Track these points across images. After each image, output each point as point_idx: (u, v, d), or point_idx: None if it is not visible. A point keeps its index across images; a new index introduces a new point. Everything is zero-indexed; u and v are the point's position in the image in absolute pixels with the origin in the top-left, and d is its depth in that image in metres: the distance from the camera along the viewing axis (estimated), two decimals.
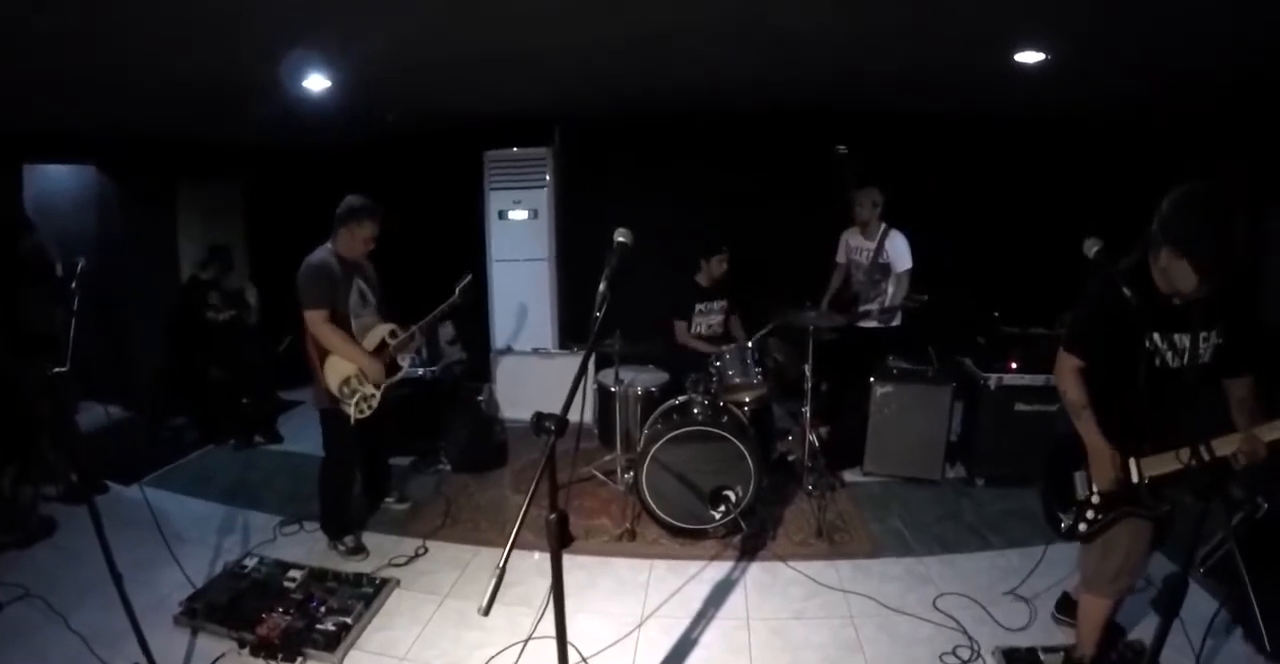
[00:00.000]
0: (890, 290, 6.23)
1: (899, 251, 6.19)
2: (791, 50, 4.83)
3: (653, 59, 5.03)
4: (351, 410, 4.70)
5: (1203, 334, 2.97)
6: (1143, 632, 3.87)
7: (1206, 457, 2.54)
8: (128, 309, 7.07)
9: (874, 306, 6.26)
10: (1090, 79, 5.22)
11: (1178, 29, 4.01)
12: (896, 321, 6.38)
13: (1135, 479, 3.10)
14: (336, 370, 4.67)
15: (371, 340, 4.85)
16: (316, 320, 4.58)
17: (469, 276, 5.09)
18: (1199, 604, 3.78)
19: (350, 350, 4.69)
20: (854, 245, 6.50)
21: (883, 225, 6.24)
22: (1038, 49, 4.60)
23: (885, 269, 6.25)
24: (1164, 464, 2.98)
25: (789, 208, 7.50)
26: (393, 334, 4.92)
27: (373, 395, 4.79)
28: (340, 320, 4.69)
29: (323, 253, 4.69)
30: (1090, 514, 3.25)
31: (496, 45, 4.70)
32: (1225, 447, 2.82)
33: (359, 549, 4.96)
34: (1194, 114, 6.14)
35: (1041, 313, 5.93)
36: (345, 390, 4.69)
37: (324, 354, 4.66)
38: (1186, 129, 6.39)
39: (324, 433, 4.91)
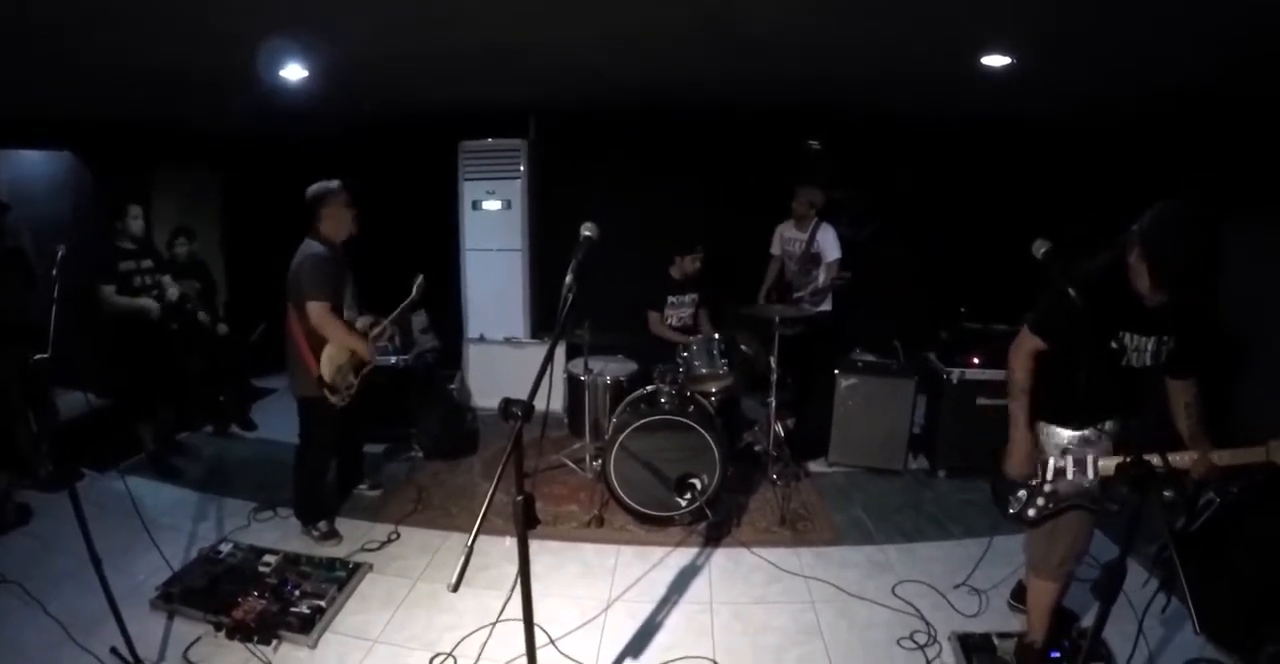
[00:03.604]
0: (821, 277, 6.50)
1: (828, 243, 6.51)
2: (760, 53, 4.88)
3: (627, 58, 5.08)
4: (336, 398, 4.78)
5: (1163, 337, 3.08)
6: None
7: (1161, 468, 2.64)
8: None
9: (806, 292, 6.50)
10: (1055, 83, 5.30)
11: (1142, 37, 4.09)
12: (827, 305, 6.65)
13: (1092, 477, 3.24)
14: (332, 359, 4.72)
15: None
16: (321, 311, 4.60)
17: (420, 276, 5.16)
18: (1148, 590, 3.94)
19: (351, 339, 4.77)
20: (787, 237, 6.82)
21: (815, 219, 6.53)
22: (1004, 52, 4.68)
23: (816, 258, 6.55)
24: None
25: (762, 204, 7.56)
26: (371, 325, 5.01)
27: (353, 384, 4.88)
28: (337, 311, 4.75)
29: (316, 246, 4.72)
30: (1041, 501, 3.38)
31: (472, 41, 4.73)
32: (1181, 462, 2.96)
33: (332, 534, 5.02)
34: (1158, 120, 6.23)
35: (1004, 310, 6.04)
36: (339, 379, 4.77)
37: (319, 343, 4.69)
38: (1151, 134, 6.48)
39: (305, 421, 4.94)
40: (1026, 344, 3.28)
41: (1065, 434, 3.29)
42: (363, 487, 5.70)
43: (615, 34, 4.54)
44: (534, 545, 2.66)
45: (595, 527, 5.26)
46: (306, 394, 4.82)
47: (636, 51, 4.94)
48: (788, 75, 5.52)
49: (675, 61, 5.21)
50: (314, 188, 4.79)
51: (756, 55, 4.96)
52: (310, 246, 4.72)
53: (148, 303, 5.90)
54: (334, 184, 4.80)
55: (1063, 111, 6.43)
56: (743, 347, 5.95)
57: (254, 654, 3.76)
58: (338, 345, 4.73)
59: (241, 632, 3.86)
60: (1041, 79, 5.13)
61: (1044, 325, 3.23)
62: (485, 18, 4.18)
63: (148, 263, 6.05)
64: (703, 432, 5.08)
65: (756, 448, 6.41)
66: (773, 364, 5.69)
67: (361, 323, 4.99)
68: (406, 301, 5.15)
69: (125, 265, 5.86)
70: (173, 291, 6.16)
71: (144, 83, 5.36)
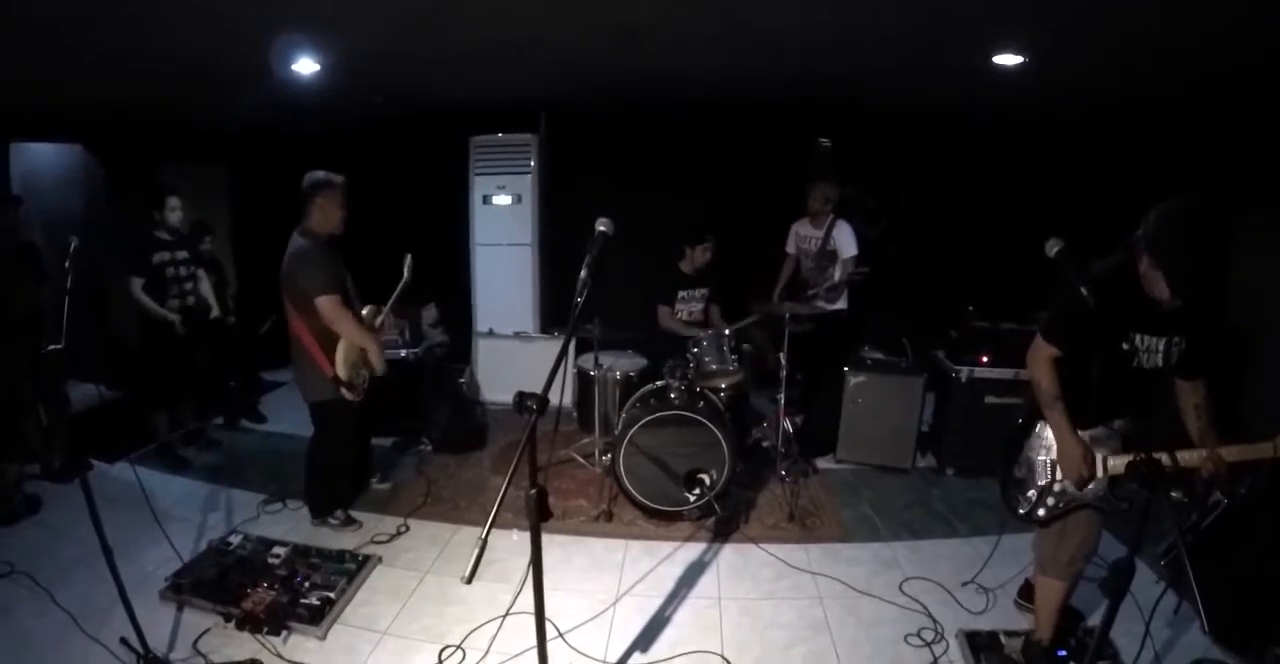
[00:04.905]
0: (837, 274, 6.48)
1: (845, 239, 6.50)
2: (772, 49, 4.86)
3: (636, 53, 5.06)
4: (353, 395, 4.73)
5: (1174, 338, 3.07)
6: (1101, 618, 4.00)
7: (1170, 466, 2.62)
8: (112, 289, 7.05)
9: (821, 289, 6.48)
10: (1066, 81, 5.27)
11: (1152, 30, 4.08)
12: (842, 303, 6.64)
13: (1101, 476, 3.23)
14: (346, 356, 4.65)
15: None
16: (333, 306, 4.51)
17: (409, 255, 5.05)
18: (1155, 590, 3.93)
19: (362, 334, 4.69)
20: (803, 234, 6.81)
21: (830, 215, 6.52)
22: (1016, 51, 4.66)
23: (832, 256, 6.54)
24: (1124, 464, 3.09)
25: (771, 199, 7.57)
26: (374, 314, 4.96)
27: (366, 378, 4.86)
28: (347, 303, 4.67)
29: (302, 243, 4.62)
30: (1051, 501, 3.38)
31: (479, 36, 4.72)
32: (1189, 460, 2.95)
33: (350, 521, 5.07)
34: (1166, 118, 6.22)
35: (1013, 308, 6.04)
36: (354, 374, 4.73)
37: (331, 342, 4.61)
38: (1159, 131, 6.47)
39: (321, 424, 4.91)
40: (1044, 352, 3.24)
41: (1076, 433, 3.28)
42: (373, 481, 5.70)
43: (624, 28, 4.52)
44: (543, 539, 2.67)
45: (604, 521, 5.28)
46: (320, 398, 4.76)
47: (647, 46, 4.92)
48: (798, 71, 5.49)
49: (683, 57, 5.19)
50: (314, 175, 4.69)
51: (763, 51, 4.94)
52: (296, 244, 4.61)
53: (172, 317, 5.89)
54: (336, 178, 4.71)
55: (1073, 110, 6.40)
56: (745, 346, 5.97)
57: (264, 645, 3.78)
58: (349, 341, 4.66)
59: (251, 623, 3.87)
60: (1052, 76, 5.09)
61: (1057, 331, 3.21)
62: (490, 12, 4.17)
63: (183, 254, 6.07)
64: (712, 427, 5.08)
65: (765, 444, 6.40)
66: (782, 361, 5.70)
67: (366, 313, 4.90)
68: (401, 284, 5.05)
69: (159, 257, 5.87)
70: (205, 287, 6.27)
71: (154, 77, 5.35)
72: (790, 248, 6.98)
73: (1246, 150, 5.62)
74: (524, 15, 4.23)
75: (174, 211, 5.91)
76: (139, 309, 5.84)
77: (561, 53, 5.18)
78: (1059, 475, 3.33)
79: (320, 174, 4.70)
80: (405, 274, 5.05)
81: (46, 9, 3.73)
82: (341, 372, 4.65)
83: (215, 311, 6.52)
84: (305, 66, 5.15)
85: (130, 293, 5.76)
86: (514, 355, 7.87)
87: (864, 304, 6.64)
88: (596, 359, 6.10)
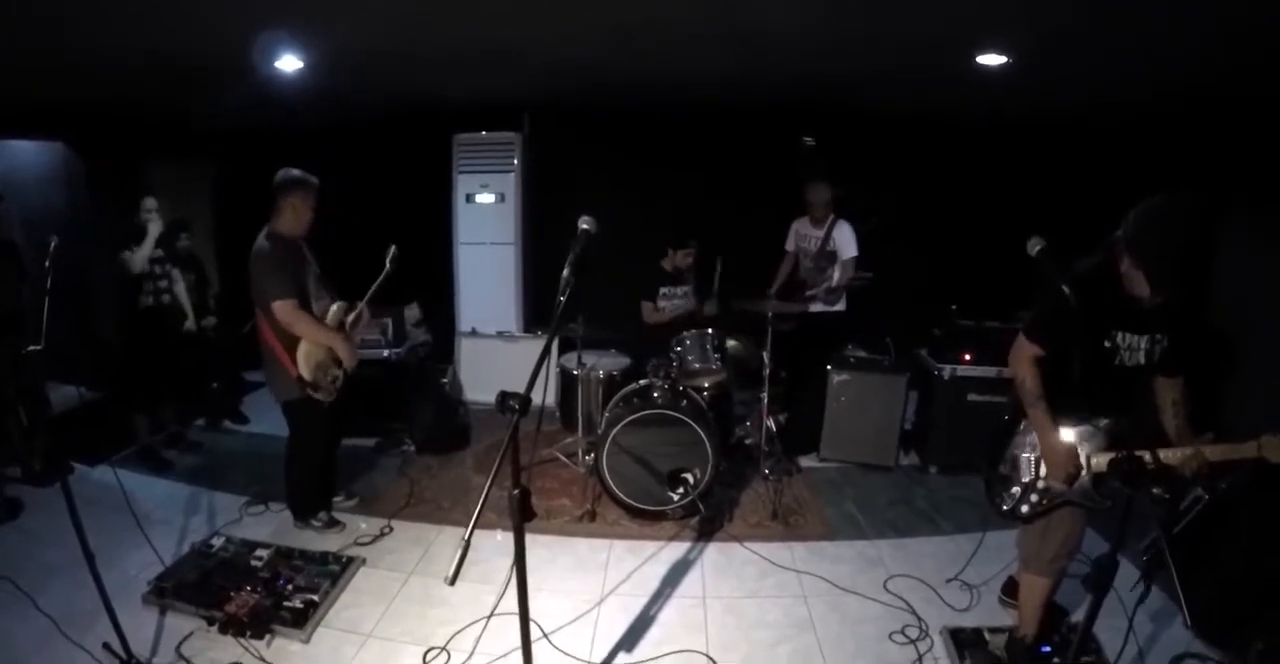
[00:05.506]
0: (836, 275, 6.43)
1: (845, 240, 6.45)
2: (769, 50, 4.85)
3: (635, 53, 5.06)
4: (322, 395, 4.67)
5: (1156, 336, 3.09)
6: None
7: (1151, 464, 2.63)
8: (95, 289, 7.01)
9: (819, 290, 6.45)
10: (1054, 82, 5.28)
11: (1146, 31, 4.09)
12: (841, 305, 6.61)
13: (1085, 474, 3.24)
14: (309, 356, 4.57)
15: (332, 322, 4.75)
16: (289, 310, 4.42)
17: (393, 247, 4.98)
18: (1138, 586, 3.95)
19: (328, 336, 4.62)
20: (803, 233, 6.77)
21: (831, 215, 6.49)
22: (999, 51, 4.67)
23: (832, 256, 6.49)
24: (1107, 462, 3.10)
25: (753, 199, 7.59)
26: (345, 311, 4.83)
27: (338, 377, 4.78)
28: (305, 306, 4.56)
29: (272, 240, 4.53)
30: (1034, 498, 3.39)
31: (468, 36, 4.71)
32: (1172, 458, 2.97)
33: (334, 522, 5.04)
34: (1151, 120, 6.24)
35: (996, 307, 6.06)
36: (320, 375, 4.65)
37: (292, 343, 4.53)
38: (1148, 135, 6.49)
39: (294, 424, 4.87)
40: (1026, 352, 3.26)
41: (1059, 431, 3.29)
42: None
43: (615, 29, 4.51)
44: (527, 539, 2.66)
45: (588, 521, 5.28)
46: (289, 397, 4.70)
47: (635, 47, 4.91)
48: (796, 72, 5.49)
49: (681, 58, 5.17)
50: (290, 173, 4.60)
51: (761, 52, 4.93)
52: (259, 246, 4.52)
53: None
54: (311, 178, 4.63)
55: (1067, 110, 6.42)
56: (729, 343, 5.97)
57: (247, 649, 3.75)
58: (310, 342, 4.58)
59: (234, 626, 3.84)
60: (1039, 77, 5.11)
61: (1040, 330, 3.22)
62: (491, 11, 4.16)
63: (158, 253, 6.06)
64: (695, 426, 5.08)
65: (749, 443, 6.42)
66: (765, 359, 5.70)
67: (335, 310, 4.79)
68: (383, 275, 4.93)
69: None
70: (180, 288, 6.28)
71: (138, 72, 5.31)
72: (790, 245, 6.95)
73: (1234, 152, 5.64)
74: (523, 14, 4.21)
75: (149, 213, 5.89)
76: (124, 299, 5.93)
77: (560, 52, 5.16)
78: (1043, 473, 3.34)
79: (296, 172, 4.62)
80: (387, 266, 4.96)
81: (53, 7, 3.72)
82: (305, 372, 4.57)
83: (190, 322, 6.51)
84: (288, 63, 5.11)
85: (127, 263, 5.81)
86: (497, 355, 7.85)
87: (848, 301, 6.63)
88: (579, 358, 6.08)
